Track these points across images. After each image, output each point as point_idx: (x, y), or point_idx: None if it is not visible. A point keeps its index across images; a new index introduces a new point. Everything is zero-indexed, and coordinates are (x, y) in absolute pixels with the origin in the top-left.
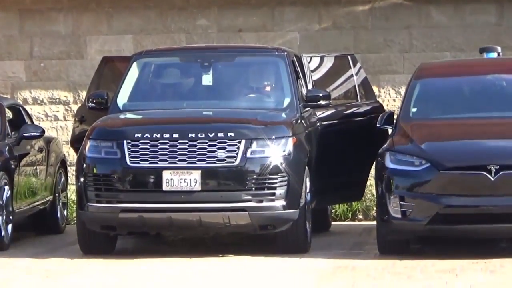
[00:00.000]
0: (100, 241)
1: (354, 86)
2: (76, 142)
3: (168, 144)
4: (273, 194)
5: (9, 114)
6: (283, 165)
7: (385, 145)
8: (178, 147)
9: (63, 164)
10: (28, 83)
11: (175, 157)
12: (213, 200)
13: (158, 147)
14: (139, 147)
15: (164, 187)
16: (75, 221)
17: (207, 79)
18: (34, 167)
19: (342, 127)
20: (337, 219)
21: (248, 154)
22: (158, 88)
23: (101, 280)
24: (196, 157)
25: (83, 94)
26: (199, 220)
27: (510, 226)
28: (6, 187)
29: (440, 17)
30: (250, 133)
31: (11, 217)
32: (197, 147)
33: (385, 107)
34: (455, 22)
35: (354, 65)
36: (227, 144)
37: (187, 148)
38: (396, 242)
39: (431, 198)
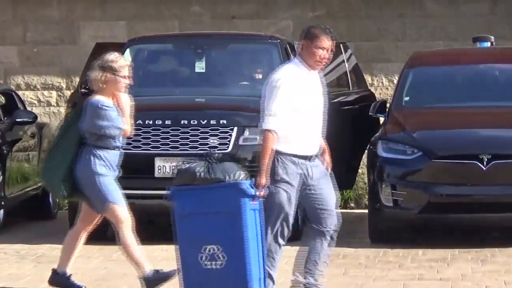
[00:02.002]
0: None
1: (346, 72)
2: None
3: (160, 131)
4: None
5: (1, 99)
6: None
7: (377, 134)
8: (170, 133)
9: None
10: (21, 68)
11: (167, 144)
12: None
13: (151, 133)
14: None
15: (156, 174)
16: (66, 207)
17: (200, 66)
18: (27, 153)
19: (334, 115)
20: None
21: (241, 142)
22: (151, 74)
23: (93, 266)
24: (189, 144)
25: (76, 80)
26: None
27: (502, 216)
28: None
29: (434, 6)
30: (242, 121)
31: (3, 203)
32: (190, 134)
33: (377, 95)
34: (449, 12)
35: (345, 52)
36: (219, 131)
37: (179, 135)
38: (387, 231)
39: (423, 187)
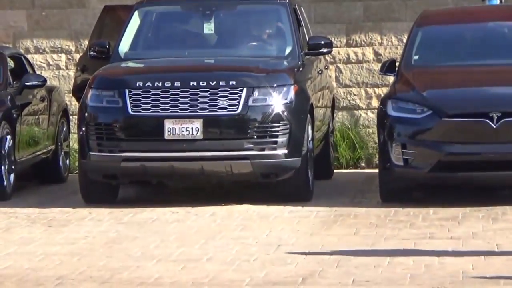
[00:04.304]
0: (102, 190)
1: None
2: (78, 91)
3: (169, 93)
4: (275, 142)
5: (10, 63)
6: (285, 113)
7: (387, 93)
8: (179, 95)
9: (65, 113)
10: (29, 32)
11: (177, 106)
12: (215, 148)
13: (160, 95)
14: (141, 96)
15: (166, 136)
16: (77, 171)
17: (208, 28)
18: (36, 117)
19: None
20: (340, 167)
21: (250, 102)
22: (160, 36)
23: (104, 229)
24: (198, 106)
25: (85, 43)
26: (201, 168)
27: None
28: (8, 137)
29: None
30: (252, 81)
31: (13, 167)
32: (199, 95)
33: (387, 54)
34: None
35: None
36: (228, 92)
37: (189, 97)
38: (398, 190)
39: (433, 146)
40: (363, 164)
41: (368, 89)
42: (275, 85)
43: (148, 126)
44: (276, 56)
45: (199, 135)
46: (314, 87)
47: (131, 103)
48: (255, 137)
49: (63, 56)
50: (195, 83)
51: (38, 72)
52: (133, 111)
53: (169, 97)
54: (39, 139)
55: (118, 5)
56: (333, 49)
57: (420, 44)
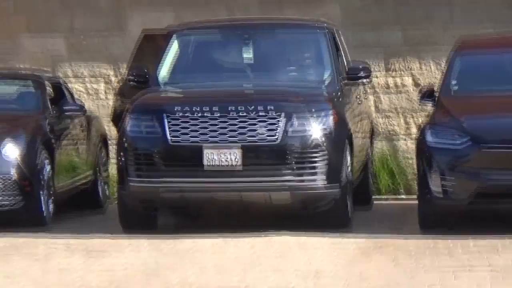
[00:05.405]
0: (141, 218)
1: None
2: (117, 118)
3: (208, 120)
4: (314, 171)
5: (49, 89)
6: (324, 141)
7: (426, 121)
8: (218, 121)
9: (104, 140)
10: (68, 57)
11: (216, 132)
12: (254, 177)
13: (198, 121)
14: (180, 123)
15: (205, 164)
16: (116, 199)
17: (247, 54)
18: (75, 144)
19: None
20: (379, 195)
21: (289, 130)
22: (198, 62)
23: (143, 257)
24: (237, 133)
25: (124, 67)
26: (240, 197)
27: None
28: (47, 164)
29: None
30: (290, 109)
31: (52, 195)
32: (238, 122)
33: (425, 81)
34: None
35: None
36: (267, 119)
37: (227, 124)
38: (437, 219)
39: (473, 175)
40: (402, 193)
41: (407, 117)
42: (314, 112)
43: (187, 154)
44: (315, 83)
45: (238, 163)
46: (353, 114)
47: (169, 130)
48: (294, 165)
49: (102, 82)
50: (234, 110)
51: (76, 98)
52: (172, 139)
53: (208, 124)
54: (78, 167)
55: (156, 30)
56: (372, 76)
57: (459, 71)
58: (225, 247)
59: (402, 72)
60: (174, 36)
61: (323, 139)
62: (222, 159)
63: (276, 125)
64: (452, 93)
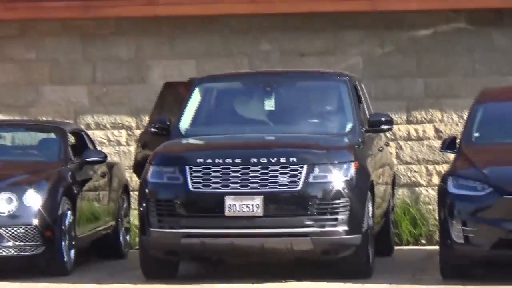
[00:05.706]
0: (162, 266)
1: None
2: (139, 167)
3: (230, 169)
4: (336, 219)
5: (71, 139)
6: (346, 190)
7: (448, 170)
8: (240, 172)
9: (125, 189)
10: (90, 108)
11: (237, 182)
12: (275, 225)
13: (220, 172)
14: (201, 172)
15: (226, 213)
16: (137, 246)
17: (269, 104)
18: (97, 192)
19: None
20: (400, 243)
21: (311, 179)
22: (220, 113)
23: None
24: (258, 182)
25: (146, 119)
26: (262, 245)
27: None
28: (69, 212)
29: (503, 41)
30: (312, 158)
31: (73, 243)
32: (259, 172)
33: (447, 131)
34: None
35: None
36: (289, 169)
37: (249, 173)
38: (459, 267)
39: (494, 223)
40: (423, 241)
41: (428, 166)
42: (335, 162)
43: (209, 202)
44: (336, 132)
45: (260, 212)
46: (375, 163)
47: (191, 179)
48: (316, 214)
49: (124, 132)
50: (255, 160)
51: (98, 148)
52: (194, 188)
53: (230, 173)
54: (99, 215)
55: (178, 81)
56: (394, 125)
57: (480, 121)
58: None
59: (424, 123)
60: (196, 85)
61: (345, 187)
62: (244, 208)
63: (298, 174)
64: (474, 142)
